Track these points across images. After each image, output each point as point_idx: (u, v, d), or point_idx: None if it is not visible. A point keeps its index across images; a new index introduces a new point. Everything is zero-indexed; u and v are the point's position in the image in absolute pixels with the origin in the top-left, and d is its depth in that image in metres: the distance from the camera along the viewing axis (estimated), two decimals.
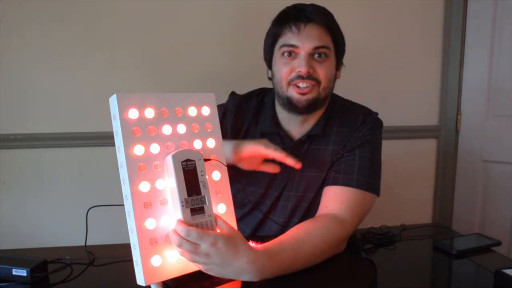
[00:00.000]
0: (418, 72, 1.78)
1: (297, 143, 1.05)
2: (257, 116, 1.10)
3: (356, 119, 1.03)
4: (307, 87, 0.97)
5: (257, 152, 0.91)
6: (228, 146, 0.93)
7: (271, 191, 1.06)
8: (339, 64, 1.05)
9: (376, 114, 1.07)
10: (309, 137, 1.05)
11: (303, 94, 0.97)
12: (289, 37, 0.97)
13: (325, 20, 0.98)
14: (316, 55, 0.97)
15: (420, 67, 1.78)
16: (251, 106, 1.12)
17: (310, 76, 0.96)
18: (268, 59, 1.06)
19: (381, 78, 1.74)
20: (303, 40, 0.96)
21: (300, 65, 0.96)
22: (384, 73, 1.74)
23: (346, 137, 1.02)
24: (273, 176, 1.04)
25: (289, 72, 0.98)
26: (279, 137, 1.07)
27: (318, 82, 0.98)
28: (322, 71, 0.98)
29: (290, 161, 0.89)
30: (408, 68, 1.76)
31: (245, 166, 0.96)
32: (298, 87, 0.98)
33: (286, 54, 0.98)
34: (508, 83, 1.70)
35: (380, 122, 1.06)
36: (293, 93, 0.98)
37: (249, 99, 1.14)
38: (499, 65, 1.71)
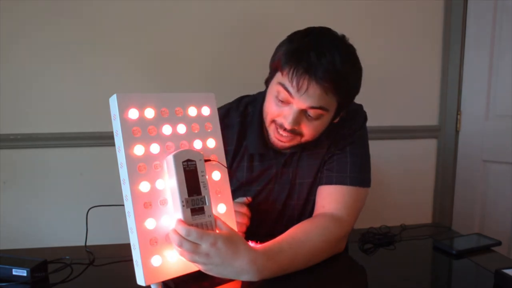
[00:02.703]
0: (418, 72, 1.78)
1: (290, 155, 1.02)
2: (243, 133, 1.02)
3: (345, 116, 1.00)
4: (287, 137, 0.92)
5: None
6: None
7: (275, 205, 1.04)
8: (336, 116, 0.95)
9: (360, 106, 1.06)
10: (302, 147, 1.01)
11: (281, 141, 0.93)
12: (288, 84, 0.86)
13: (335, 83, 0.84)
14: (309, 112, 0.88)
15: (420, 67, 1.78)
16: (233, 122, 1.03)
17: (293, 131, 0.90)
18: (267, 78, 0.96)
19: (381, 78, 1.74)
20: (300, 96, 0.85)
21: (286, 118, 0.88)
22: (384, 73, 1.74)
23: (336, 136, 1.00)
24: (272, 190, 1.03)
25: (276, 115, 0.91)
26: (271, 153, 1.02)
27: (300, 135, 0.92)
28: (309, 129, 0.90)
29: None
30: (408, 68, 1.76)
31: None
32: (278, 132, 0.92)
33: (280, 96, 0.88)
34: (508, 83, 1.70)
35: (365, 114, 1.06)
36: (272, 134, 0.94)
37: (228, 114, 1.04)
38: (499, 65, 1.71)
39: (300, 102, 0.86)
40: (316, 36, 0.88)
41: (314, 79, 0.83)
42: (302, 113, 0.88)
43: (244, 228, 0.92)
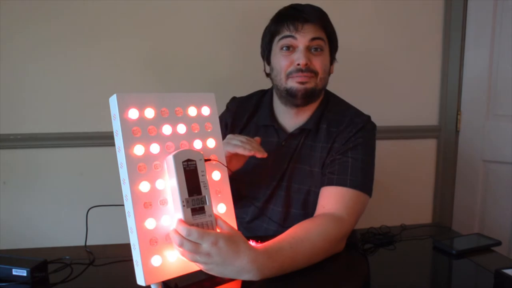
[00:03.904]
0: (418, 72, 1.78)
1: (290, 135, 1.09)
2: (255, 111, 1.17)
3: (344, 119, 1.06)
4: (306, 76, 1.03)
5: (235, 152, 0.93)
6: None
7: (268, 181, 1.08)
8: (332, 59, 1.11)
9: (368, 116, 1.09)
10: (302, 131, 1.08)
11: (302, 83, 1.03)
12: (287, 32, 1.04)
13: (320, 20, 1.04)
14: (312, 49, 1.04)
15: (420, 67, 1.78)
16: (251, 103, 1.18)
17: (308, 69, 1.02)
18: (266, 55, 1.12)
19: (381, 78, 1.74)
20: (300, 34, 1.02)
21: (298, 58, 1.02)
22: (384, 73, 1.74)
23: (333, 136, 1.05)
24: (268, 167, 1.08)
25: (289, 65, 1.04)
26: (274, 129, 1.11)
27: (315, 73, 1.04)
28: (318, 63, 1.04)
29: (259, 154, 0.93)
30: (408, 68, 1.76)
31: (235, 166, 0.98)
32: (297, 79, 1.03)
33: (285, 48, 1.04)
34: (508, 83, 1.70)
35: (372, 125, 1.08)
36: (292, 83, 1.04)
37: (249, 99, 1.20)
38: (499, 65, 1.71)
39: (302, 39, 1.02)
40: (287, 5, 1.08)
41: (306, 18, 1.02)
42: (308, 50, 1.03)
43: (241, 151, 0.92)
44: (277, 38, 1.06)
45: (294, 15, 1.03)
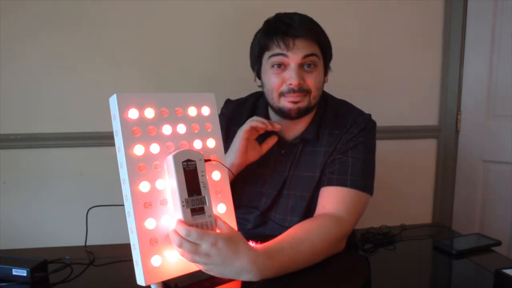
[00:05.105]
0: (418, 72, 1.78)
1: (290, 144, 1.07)
2: (252, 116, 1.12)
3: (347, 120, 1.05)
4: (298, 96, 0.99)
5: (250, 132, 0.98)
6: (230, 153, 1.00)
7: (269, 190, 1.07)
8: (326, 69, 1.08)
9: (369, 115, 1.08)
10: (302, 140, 1.06)
11: (295, 103, 1.00)
12: (278, 50, 0.99)
13: (311, 33, 0.99)
14: (305, 66, 0.99)
15: (420, 67, 1.78)
16: (246, 108, 1.15)
17: (300, 89, 0.98)
18: (257, 69, 1.08)
19: (381, 78, 1.74)
20: (292, 52, 0.97)
21: (291, 77, 0.98)
22: (384, 73, 1.74)
23: (337, 138, 1.03)
24: (268, 176, 1.06)
25: (280, 84, 1.00)
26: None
27: (308, 92, 1.00)
28: (312, 81, 1.00)
29: (271, 127, 0.99)
30: (408, 68, 1.76)
31: (251, 158, 1.01)
32: (289, 98, 1.00)
33: (276, 66, 1.00)
34: (508, 83, 1.70)
35: (372, 124, 1.07)
36: (285, 103, 1.01)
37: (245, 102, 1.17)
38: (499, 65, 1.71)
39: (294, 57, 0.97)
40: (276, 15, 1.04)
41: (296, 34, 0.97)
42: (301, 68, 0.99)
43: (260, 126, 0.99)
44: (267, 54, 1.01)
45: (284, 30, 0.97)
